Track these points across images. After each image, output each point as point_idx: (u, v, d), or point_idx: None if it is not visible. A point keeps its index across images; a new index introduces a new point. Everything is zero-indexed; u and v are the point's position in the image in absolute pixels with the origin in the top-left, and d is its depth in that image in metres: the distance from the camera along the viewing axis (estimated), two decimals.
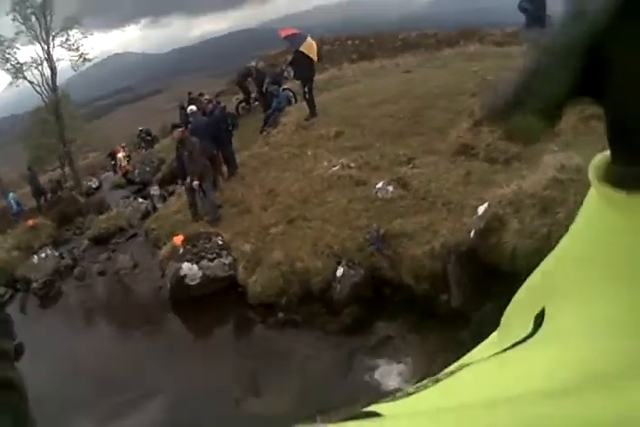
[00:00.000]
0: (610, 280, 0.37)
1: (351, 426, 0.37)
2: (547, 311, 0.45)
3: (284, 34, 14.67)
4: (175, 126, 12.80)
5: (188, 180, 11.32)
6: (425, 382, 0.49)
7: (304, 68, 14.06)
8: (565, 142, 8.44)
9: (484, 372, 0.44)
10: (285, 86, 17.80)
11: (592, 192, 0.42)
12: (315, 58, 14.10)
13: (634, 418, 0.25)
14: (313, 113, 14.42)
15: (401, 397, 0.46)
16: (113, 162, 24.78)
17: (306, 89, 14.24)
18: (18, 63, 27.19)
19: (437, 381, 0.47)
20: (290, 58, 16.19)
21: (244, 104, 19.28)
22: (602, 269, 0.38)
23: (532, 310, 0.48)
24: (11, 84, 27.81)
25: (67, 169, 28.75)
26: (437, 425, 0.33)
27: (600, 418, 0.25)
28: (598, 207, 0.41)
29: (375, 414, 0.40)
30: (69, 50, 28.05)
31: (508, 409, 0.29)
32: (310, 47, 14.04)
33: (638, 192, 0.36)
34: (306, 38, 14.21)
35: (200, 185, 11.10)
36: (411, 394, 0.45)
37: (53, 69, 26.91)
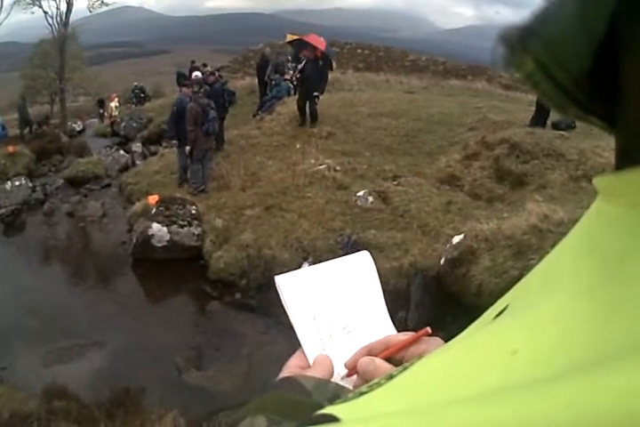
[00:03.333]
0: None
1: None
2: (511, 305, 0.43)
3: (313, 41, 13.82)
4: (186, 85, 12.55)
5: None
6: (378, 379, 0.49)
7: (321, 79, 13.44)
8: (551, 196, 8.64)
9: (437, 366, 0.41)
10: (286, 77, 17.68)
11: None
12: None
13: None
14: (314, 121, 13.69)
15: (354, 397, 0.45)
16: (101, 110, 24.50)
17: (316, 100, 13.41)
18: None
19: (391, 377, 0.46)
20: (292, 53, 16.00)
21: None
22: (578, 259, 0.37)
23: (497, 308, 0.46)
24: (25, 9, 27.47)
25: (55, 107, 28.38)
26: None
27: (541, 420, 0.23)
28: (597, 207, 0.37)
29: (331, 417, 0.40)
30: None
31: (456, 412, 0.28)
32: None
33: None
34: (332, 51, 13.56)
35: (191, 152, 10.96)
36: (364, 393, 0.45)
37: (70, 5, 26.69)
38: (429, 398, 0.35)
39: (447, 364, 0.40)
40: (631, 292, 0.28)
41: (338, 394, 0.64)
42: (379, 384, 0.46)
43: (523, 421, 0.24)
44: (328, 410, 0.41)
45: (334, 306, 0.80)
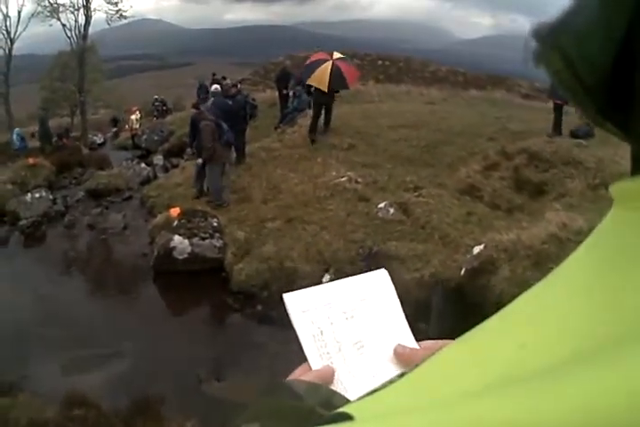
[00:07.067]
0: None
1: None
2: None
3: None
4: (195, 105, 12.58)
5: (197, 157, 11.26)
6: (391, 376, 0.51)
7: (320, 94, 12.94)
8: (570, 204, 8.63)
9: (448, 361, 0.42)
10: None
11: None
12: (324, 88, 12.58)
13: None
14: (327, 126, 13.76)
15: (367, 394, 0.46)
16: (115, 129, 24.62)
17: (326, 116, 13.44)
18: (56, 3, 27.26)
19: (402, 374, 0.47)
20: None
21: None
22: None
23: None
24: (43, 22, 27.80)
25: (76, 119, 28.63)
26: None
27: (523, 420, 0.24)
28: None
29: (346, 415, 0.39)
30: (109, 2, 28.19)
31: (468, 409, 0.28)
32: (321, 76, 12.52)
33: None
34: (322, 63, 12.60)
35: (203, 165, 10.99)
36: (376, 391, 0.45)
37: (88, 18, 26.98)
38: (440, 393, 0.36)
39: (458, 359, 0.41)
40: (632, 285, 0.30)
41: (330, 398, 0.67)
42: (391, 382, 0.47)
43: (531, 417, 0.24)
44: (345, 409, 0.41)
45: (346, 322, 0.79)
